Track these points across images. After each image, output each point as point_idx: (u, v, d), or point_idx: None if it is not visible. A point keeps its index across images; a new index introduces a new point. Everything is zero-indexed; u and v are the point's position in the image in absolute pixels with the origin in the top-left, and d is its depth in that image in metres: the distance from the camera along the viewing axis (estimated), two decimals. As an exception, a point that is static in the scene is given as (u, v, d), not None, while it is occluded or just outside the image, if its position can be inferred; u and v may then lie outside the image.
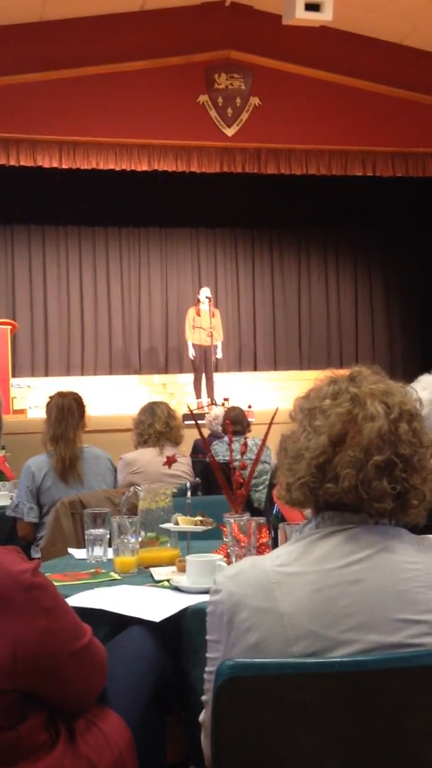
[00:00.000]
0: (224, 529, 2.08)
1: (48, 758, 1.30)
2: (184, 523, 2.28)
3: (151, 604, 1.83)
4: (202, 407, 9.27)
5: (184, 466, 3.88)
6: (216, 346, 9.73)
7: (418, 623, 1.15)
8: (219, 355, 9.93)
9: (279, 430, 1.36)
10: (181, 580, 1.98)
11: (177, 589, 1.95)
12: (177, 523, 2.28)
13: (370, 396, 1.24)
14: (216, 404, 9.08)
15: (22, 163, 8.86)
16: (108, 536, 2.36)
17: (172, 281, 11.46)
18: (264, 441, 2.35)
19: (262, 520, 2.10)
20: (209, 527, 2.28)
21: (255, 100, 9.26)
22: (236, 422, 5.15)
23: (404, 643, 1.14)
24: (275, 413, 2.23)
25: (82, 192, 10.19)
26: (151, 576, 2.14)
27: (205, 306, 9.74)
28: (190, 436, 4.67)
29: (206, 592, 1.52)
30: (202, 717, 1.29)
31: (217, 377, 10.06)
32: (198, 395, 9.86)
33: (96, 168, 9.09)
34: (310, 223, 11.62)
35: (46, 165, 8.94)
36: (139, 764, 1.46)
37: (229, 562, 1.98)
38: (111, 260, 11.26)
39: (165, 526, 2.30)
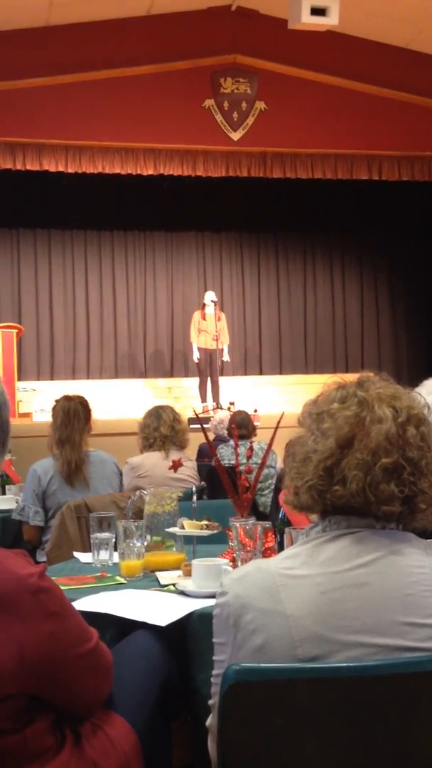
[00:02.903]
0: (230, 533, 2.08)
1: (54, 762, 1.30)
2: (189, 527, 2.27)
3: (157, 609, 1.83)
4: (208, 411, 9.26)
5: (189, 470, 3.88)
6: (222, 350, 9.73)
7: (424, 627, 1.15)
8: (226, 358, 9.93)
9: (285, 435, 1.37)
10: (187, 584, 1.98)
11: (183, 593, 1.95)
12: (183, 527, 2.28)
13: (377, 399, 1.24)
14: (221, 408, 9.08)
15: (28, 168, 8.87)
16: (114, 540, 2.35)
17: (178, 285, 11.47)
18: (270, 445, 2.35)
19: (267, 524, 2.10)
20: (215, 531, 2.27)
21: (261, 105, 9.27)
22: (242, 426, 5.15)
23: (410, 646, 1.14)
24: (281, 417, 2.23)
25: (87, 196, 10.21)
26: (157, 580, 2.13)
27: (210, 310, 9.75)
28: (195, 440, 4.68)
29: (212, 596, 1.52)
30: (209, 721, 1.29)
31: (223, 381, 10.06)
32: (203, 399, 9.85)
33: (102, 172, 9.10)
34: (316, 227, 11.63)
35: (52, 169, 8.96)
36: (145, 768, 1.45)
37: (234, 567, 1.97)
38: (117, 264, 11.28)
39: (171, 530, 2.30)
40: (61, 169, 8.97)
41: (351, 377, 1.32)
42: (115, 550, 2.33)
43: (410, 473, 1.21)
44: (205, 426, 4.74)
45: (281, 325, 11.81)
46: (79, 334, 11.10)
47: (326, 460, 1.22)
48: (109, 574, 2.22)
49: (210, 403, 9.70)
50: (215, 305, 9.76)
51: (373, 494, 1.20)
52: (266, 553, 2.04)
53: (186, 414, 4.61)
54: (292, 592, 1.17)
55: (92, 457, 3.54)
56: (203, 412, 9.14)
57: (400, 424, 1.22)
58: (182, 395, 10.60)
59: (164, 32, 8.86)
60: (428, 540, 1.25)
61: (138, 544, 2.19)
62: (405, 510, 1.22)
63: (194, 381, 10.31)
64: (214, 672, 1.26)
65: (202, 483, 3.93)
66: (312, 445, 1.25)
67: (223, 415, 6.52)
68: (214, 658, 1.25)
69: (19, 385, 9.24)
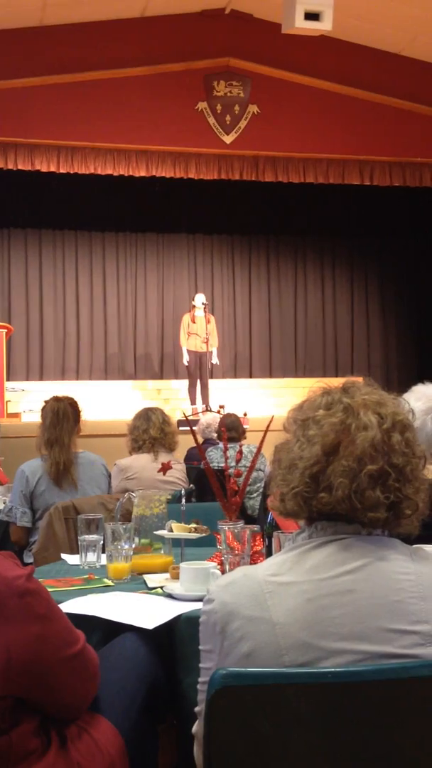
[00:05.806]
0: (218, 536, 2.08)
1: (39, 764, 1.30)
2: (178, 530, 2.27)
3: (144, 611, 1.83)
4: (197, 413, 9.26)
5: (178, 472, 3.88)
6: (211, 353, 9.74)
7: (410, 633, 1.15)
8: (215, 361, 9.93)
9: (274, 438, 1.37)
10: (175, 587, 1.98)
11: (170, 596, 1.95)
12: (171, 530, 2.28)
13: (363, 406, 1.25)
14: (211, 410, 9.08)
15: (20, 167, 8.86)
16: (101, 542, 2.35)
17: (169, 287, 11.47)
18: (259, 448, 2.35)
19: (256, 527, 2.10)
20: (203, 534, 2.27)
21: (253, 108, 9.29)
22: (231, 429, 5.15)
23: (396, 653, 1.14)
24: (271, 421, 2.24)
25: (79, 197, 10.21)
26: (145, 583, 2.13)
27: (200, 312, 9.76)
28: (184, 443, 4.67)
29: (200, 599, 1.52)
30: (195, 728, 1.29)
31: (212, 384, 10.06)
32: (193, 401, 9.85)
33: (94, 173, 9.10)
34: (307, 231, 11.65)
35: (44, 169, 8.94)
36: (131, 772, 1.45)
37: (222, 570, 1.98)
38: (107, 265, 11.27)
39: (159, 532, 2.30)
40: (53, 169, 8.95)
41: (338, 381, 1.33)
42: (103, 552, 2.33)
43: (395, 479, 1.22)
44: (194, 428, 4.71)
45: (271, 328, 11.83)
46: (68, 335, 11.08)
47: (312, 467, 1.23)
48: (96, 577, 2.22)
49: (200, 405, 9.70)
50: (205, 308, 9.76)
51: (358, 501, 1.20)
52: (254, 557, 2.04)
53: (175, 416, 4.62)
54: (278, 600, 1.17)
55: (81, 458, 3.53)
56: (192, 415, 9.13)
57: (385, 431, 1.23)
58: (171, 397, 10.59)
59: (158, 34, 8.86)
60: (413, 546, 1.26)
61: (126, 547, 2.19)
62: (390, 516, 1.23)
63: (183, 383, 10.31)
64: (200, 679, 1.26)
65: (191, 486, 3.93)
66: (297, 452, 1.25)
67: (209, 419, 6.50)
68: (201, 665, 1.25)
69: (8, 385, 9.22)
